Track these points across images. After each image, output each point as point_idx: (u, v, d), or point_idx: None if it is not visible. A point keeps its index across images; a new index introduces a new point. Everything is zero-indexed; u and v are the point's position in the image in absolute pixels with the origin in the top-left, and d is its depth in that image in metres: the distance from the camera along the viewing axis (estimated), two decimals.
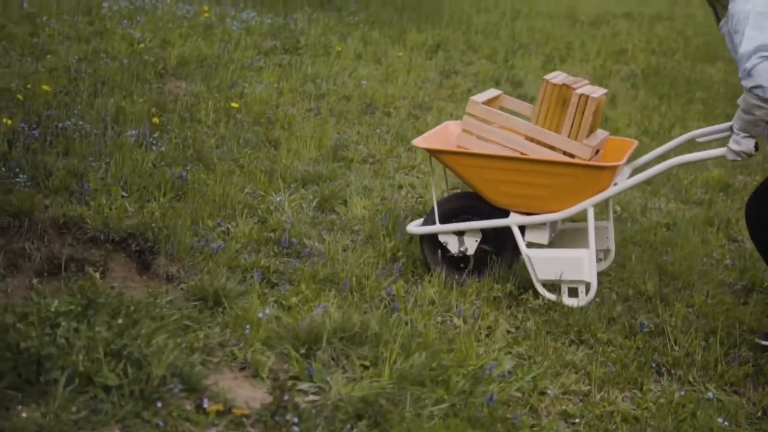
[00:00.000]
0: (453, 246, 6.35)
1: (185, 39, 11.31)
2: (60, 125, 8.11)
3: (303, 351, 5.04)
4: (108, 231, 6.71)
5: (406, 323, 5.52)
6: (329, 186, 7.78)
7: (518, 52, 13.76)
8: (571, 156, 6.05)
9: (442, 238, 6.37)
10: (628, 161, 6.41)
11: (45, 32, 10.76)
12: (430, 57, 12.82)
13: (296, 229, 6.87)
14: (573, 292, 6.11)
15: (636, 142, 6.55)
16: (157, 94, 9.44)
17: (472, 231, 6.30)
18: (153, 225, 6.69)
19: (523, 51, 13.87)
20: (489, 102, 6.46)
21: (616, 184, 6.10)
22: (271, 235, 6.77)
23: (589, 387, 5.23)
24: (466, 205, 6.40)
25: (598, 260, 6.59)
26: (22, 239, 6.69)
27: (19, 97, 8.53)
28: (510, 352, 5.42)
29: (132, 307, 4.70)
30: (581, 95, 6.01)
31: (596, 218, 6.36)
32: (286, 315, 5.51)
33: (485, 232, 6.31)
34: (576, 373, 5.35)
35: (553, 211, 6.08)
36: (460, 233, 6.34)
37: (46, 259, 6.60)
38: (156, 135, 8.28)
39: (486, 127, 6.25)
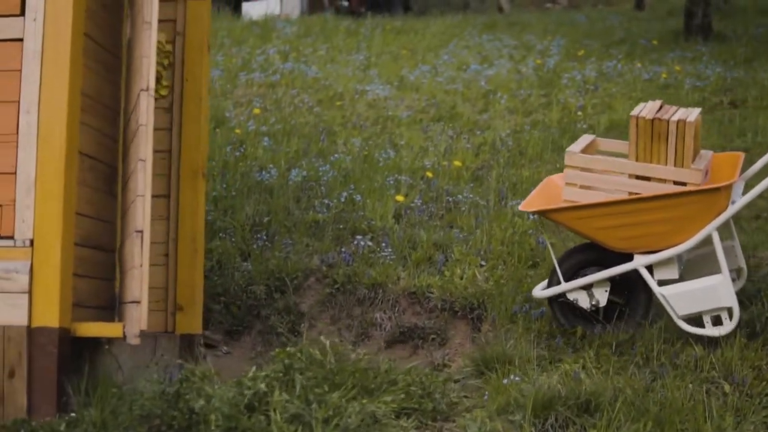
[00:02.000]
0: (584, 301, 6.12)
1: (634, 102, 11.18)
2: (451, 199, 8.45)
3: (519, 417, 4.94)
4: (451, 300, 6.94)
5: (659, 389, 5.19)
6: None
7: None
8: (683, 184, 5.86)
9: (570, 296, 6.14)
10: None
11: (494, 108, 11.20)
12: None
13: None
14: (717, 320, 5.84)
15: (743, 155, 6.21)
16: None
17: (600, 282, 6.07)
18: (490, 292, 6.82)
19: None
20: (586, 148, 6.32)
21: (734, 201, 5.95)
22: None
23: None
24: (587, 257, 6.23)
25: (732, 280, 6.05)
26: (376, 309, 7.13)
27: (429, 174, 9.00)
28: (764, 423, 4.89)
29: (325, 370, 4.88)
30: (678, 122, 5.85)
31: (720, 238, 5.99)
32: (554, 381, 5.39)
33: (614, 280, 6.09)
34: None
35: (677, 244, 5.83)
36: (588, 287, 6.10)
37: (395, 327, 6.99)
38: None
39: (589, 176, 6.13)
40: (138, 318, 4.70)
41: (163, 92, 6.53)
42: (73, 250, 5.04)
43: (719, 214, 5.81)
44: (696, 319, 5.89)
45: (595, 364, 5.61)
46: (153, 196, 6.44)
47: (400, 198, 8.40)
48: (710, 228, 5.81)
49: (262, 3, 21.06)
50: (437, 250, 7.55)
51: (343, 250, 7.62)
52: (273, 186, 8.85)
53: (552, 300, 6.28)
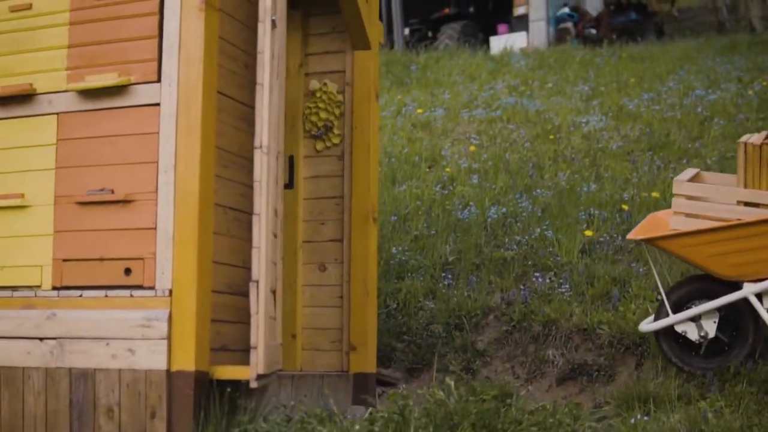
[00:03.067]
0: (692, 333, 6.04)
1: None
2: None
3: None
4: (620, 335, 6.91)
5: None
6: None
7: None
8: None
9: (679, 328, 6.07)
10: None
11: (708, 134, 10.96)
12: None
13: None
14: None
15: None
16: None
17: (708, 313, 5.98)
18: None
19: None
20: (693, 179, 6.28)
21: None
22: None
23: None
24: (695, 288, 6.16)
25: None
26: (549, 346, 7.18)
27: (624, 207, 8.93)
28: None
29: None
30: None
31: None
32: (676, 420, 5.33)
33: (722, 312, 6.00)
34: None
35: None
36: (696, 318, 6.01)
37: (566, 364, 7.02)
38: None
39: (696, 204, 6.07)
40: (255, 363, 4.99)
41: (335, 140, 6.87)
42: (211, 298, 5.40)
43: None
44: None
45: (734, 401, 5.48)
46: (329, 240, 6.81)
47: (588, 233, 8.39)
48: None
49: (509, 36, 21.29)
50: (615, 285, 7.51)
51: (522, 287, 7.70)
52: (471, 224, 9.00)
53: (659, 334, 6.23)
